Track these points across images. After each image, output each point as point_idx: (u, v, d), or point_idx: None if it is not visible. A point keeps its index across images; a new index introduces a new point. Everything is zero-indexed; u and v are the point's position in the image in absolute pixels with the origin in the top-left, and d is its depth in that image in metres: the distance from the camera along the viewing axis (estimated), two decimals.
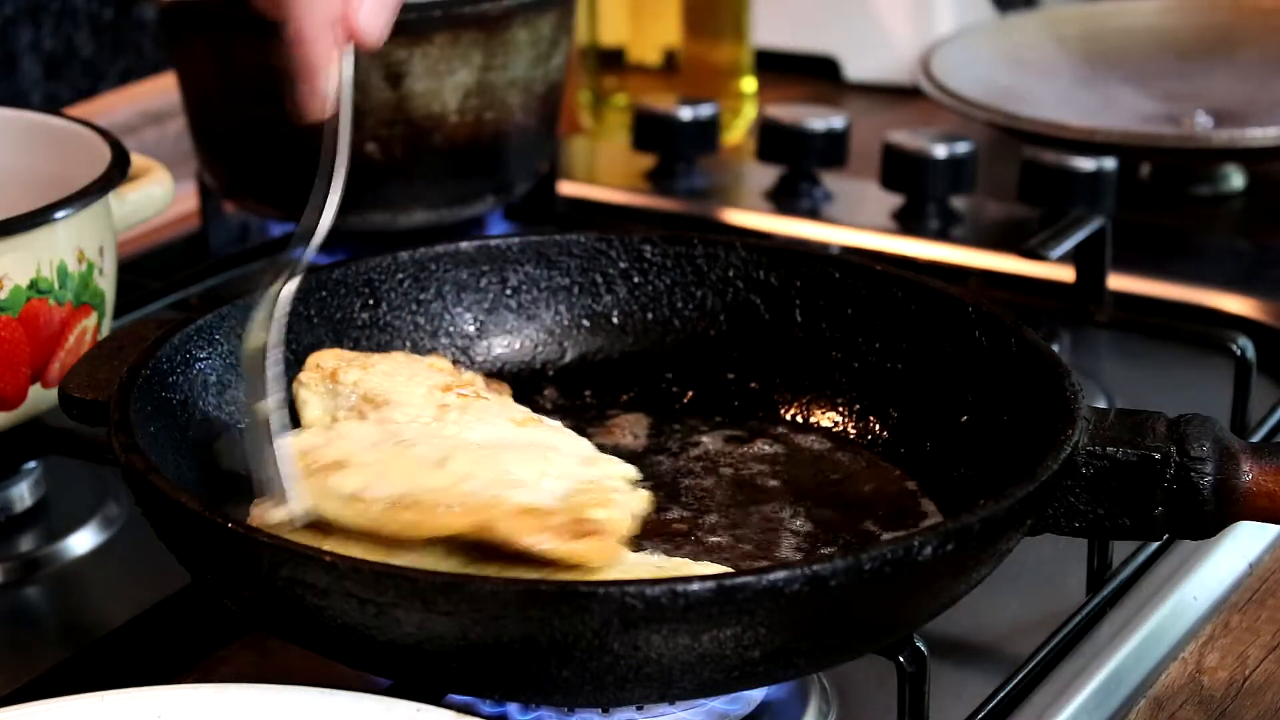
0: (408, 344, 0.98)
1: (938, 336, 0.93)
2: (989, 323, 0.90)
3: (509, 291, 1.00)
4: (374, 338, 0.98)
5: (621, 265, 1.01)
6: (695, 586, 0.69)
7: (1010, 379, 0.88)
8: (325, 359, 0.91)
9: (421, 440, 0.84)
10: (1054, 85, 1.51)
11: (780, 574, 0.70)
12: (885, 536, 0.87)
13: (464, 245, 1.00)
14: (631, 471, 0.84)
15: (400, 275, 0.98)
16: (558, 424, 0.89)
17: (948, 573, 0.75)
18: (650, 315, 1.00)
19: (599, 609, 0.69)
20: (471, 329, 1.00)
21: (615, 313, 1.01)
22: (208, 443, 0.89)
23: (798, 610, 0.71)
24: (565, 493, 0.80)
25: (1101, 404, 1.06)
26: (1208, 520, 0.81)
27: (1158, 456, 0.80)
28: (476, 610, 0.70)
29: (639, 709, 0.81)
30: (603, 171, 1.53)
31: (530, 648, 0.70)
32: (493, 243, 1.00)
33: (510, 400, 0.93)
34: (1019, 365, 0.88)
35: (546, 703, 0.79)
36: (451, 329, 0.99)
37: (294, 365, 0.94)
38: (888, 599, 0.74)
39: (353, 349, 0.96)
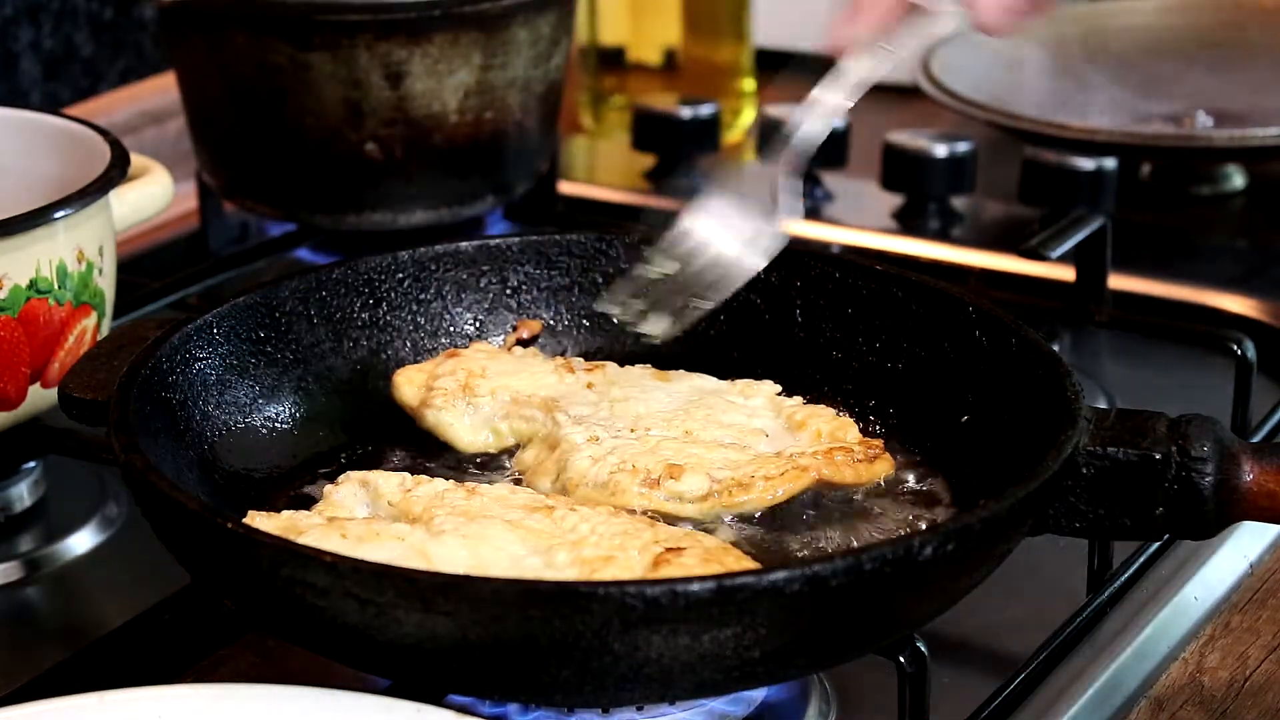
0: (408, 344, 0.98)
1: (938, 336, 0.93)
2: (989, 322, 0.90)
3: (509, 291, 1.00)
4: (374, 337, 0.98)
5: (622, 265, 1.01)
6: (695, 587, 0.69)
7: (1010, 379, 0.88)
8: (435, 381, 0.93)
9: (639, 422, 0.89)
10: (1054, 85, 1.51)
11: (780, 574, 0.70)
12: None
13: (464, 245, 1.00)
14: (772, 385, 0.93)
15: (400, 275, 0.98)
16: (678, 371, 0.95)
17: (948, 573, 0.74)
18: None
19: (599, 609, 0.69)
20: (471, 329, 1.00)
21: None
22: (208, 443, 0.89)
23: (798, 610, 0.71)
24: (783, 427, 0.91)
25: (1101, 404, 1.06)
26: (1209, 520, 0.81)
27: (1158, 457, 0.80)
28: (476, 610, 0.69)
29: (639, 709, 0.81)
30: (603, 171, 1.53)
31: (530, 648, 0.70)
32: (493, 243, 1.00)
33: (612, 365, 0.95)
34: (1019, 365, 0.88)
35: (547, 703, 0.79)
36: (452, 329, 0.99)
37: (295, 365, 0.95)
38: (888, 599, 0.74)
39: (352, 348, 0.96)
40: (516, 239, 1.00)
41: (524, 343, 0.99)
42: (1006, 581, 0.85)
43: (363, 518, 0.83)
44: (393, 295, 0.98)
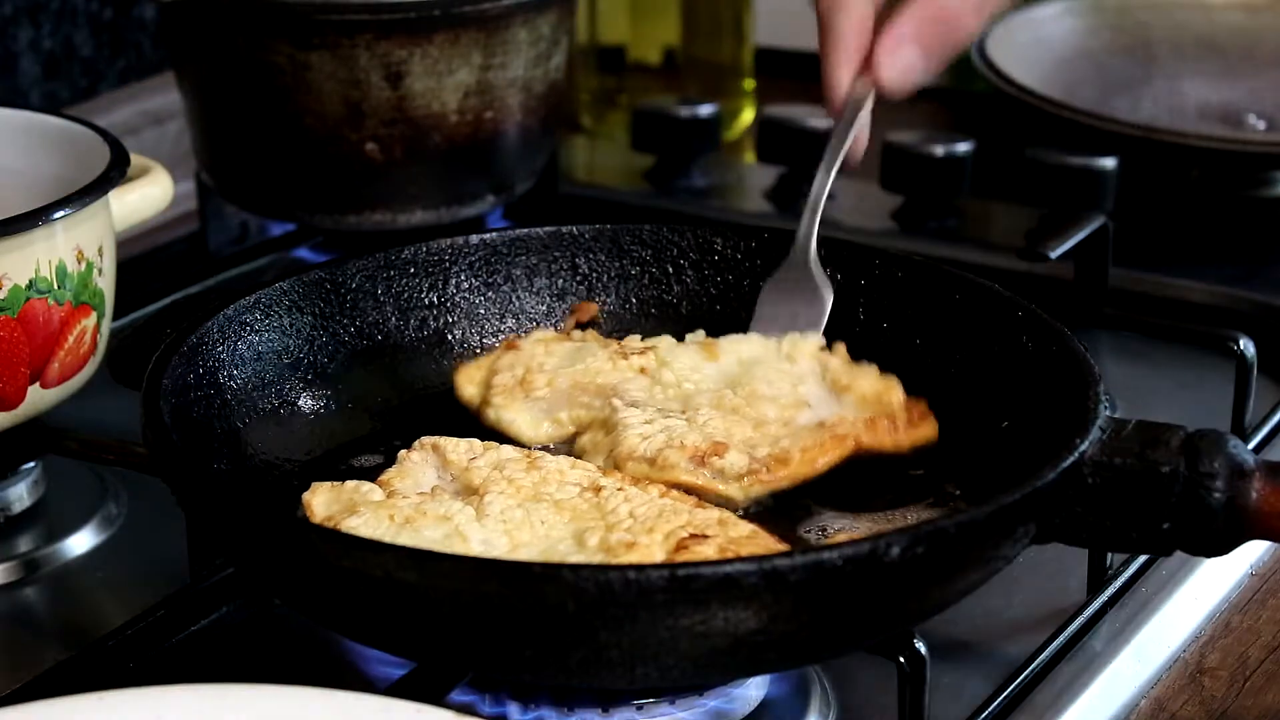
0: (472, 325, 0.99)
1: (987, 338, 0.92)
2: (1037, 328, 0.90)
3: (579, 277, 1.01)
4: (440, 318, 0.99)
5: (693, 256, 1.01)
6: (652, 574, 0.69)
7: (1043, 385, 0.87)
8: (494, 376, 0.94)
9: (689, 402, 0.91)
10: (1104, 77, 1.49)
11: (736, 567, 0.70)
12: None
13: (537, 231, 1.01)
14: (819, 338, 0.95)
15: (471, 258, 1.00)
16: (731, 336, 0.96)
17: (926, 576, 0.74)
18: (719, 308, 1.00)
19: (553, 592, 0.70)
20: (539, 311, 1.00)
21: (684, 303, 1.01)
22: (256, 414, 0.91)
23: (756, 605, 0.70)
24: (827, 393, 0.91)
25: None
26: (1218, 537, 0.79)
27: (1165, 470, 0.79)
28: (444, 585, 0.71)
29: (639, 709, 0.81)
30: (603, 171, 1.53)
31: (500, 625, 0.71)
32: (565, 229, 1.01)
33: (664, 343, 0.96)
34: (1051, 371, 0.87)
35: (508, 674, 0.80)
36: (520, 313, 1.00)
37: (358, 340, 0.96)
38: (859, 599, 0.73)
39: (419, 328, 0.98)
40: (590, 226, 1.01)
41: (581, 325, 1.00)
42: (1006, 581, 0.85)
43: (418, 495, 0.84)
44: (461, 277, 1.00)
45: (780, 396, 0.91)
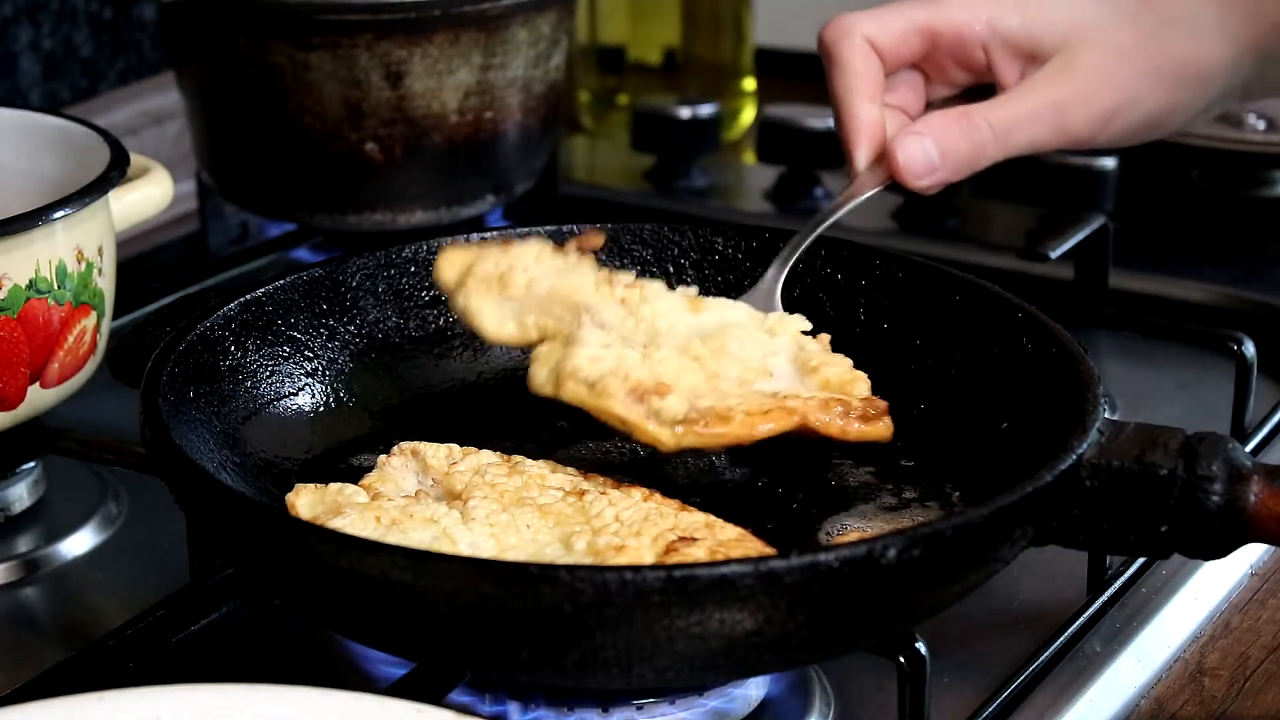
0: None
1: (986, 339, 0.92)
2: (1036, 329, 0.90)
3: None
4: (440, 317, 0.99)
5: (693, 256, 1.01)
6: (648, 575, 0.69)
7: (1041, 387, 0.87)
8: (476, 265, 0.93)
9: (656, 339, 0.88)
10: None
11: (731, 568, 0.70)
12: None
13: (538, 230, 1.00)
14: (802, 321, 0.91)
15: None
16: (721, 299, 0.93)
17: (923, 578, 0.74)
18: None
19: (549, 592, 0.69)
20: None
21: None
22: (253, 412, 0.91)
23: (750, 606, 0.70)
24: (794, 369, 0.88)
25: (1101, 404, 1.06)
26: (1215, 540, 0.79)
27: (1164, 473, 0.79)
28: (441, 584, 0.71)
29: (638, 709, 0.81)
30: (603, 171, 1.53)
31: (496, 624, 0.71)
32: (565, 228, 1.01)
33: (660, 287, 0.93)
34: (1049, 373, 0.87)
35: (506, 674, 0.80)
36: None
37: (357, 340, 0.96)
38: (855, 601, 0.73)
39: (419, 327, 0.98)
40: (590, 226, 1.01)
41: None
42: (1006, 582, 0.85)
43: (403, 498, 0.83)
44: None
45: (747, 360, 0.89)
